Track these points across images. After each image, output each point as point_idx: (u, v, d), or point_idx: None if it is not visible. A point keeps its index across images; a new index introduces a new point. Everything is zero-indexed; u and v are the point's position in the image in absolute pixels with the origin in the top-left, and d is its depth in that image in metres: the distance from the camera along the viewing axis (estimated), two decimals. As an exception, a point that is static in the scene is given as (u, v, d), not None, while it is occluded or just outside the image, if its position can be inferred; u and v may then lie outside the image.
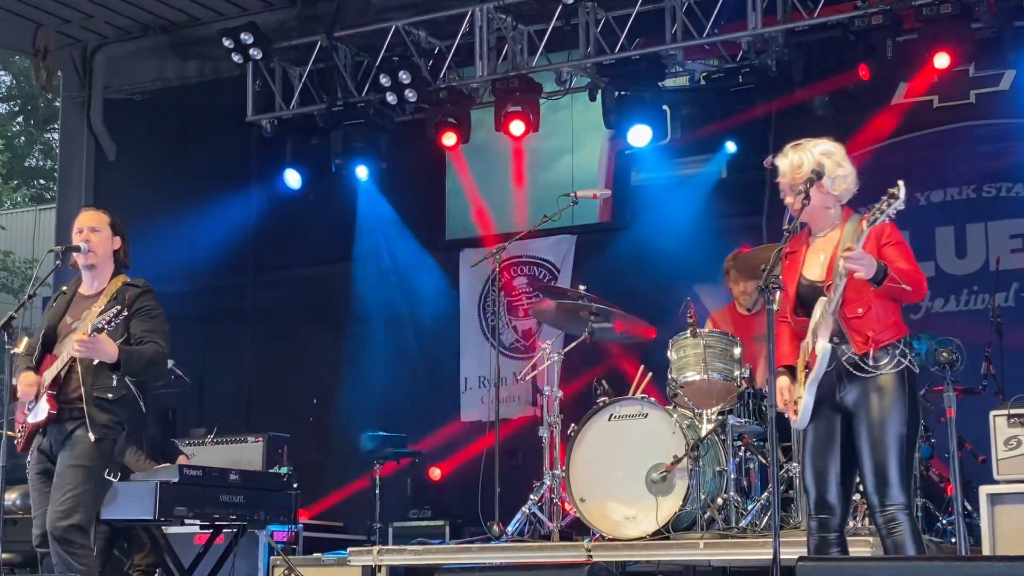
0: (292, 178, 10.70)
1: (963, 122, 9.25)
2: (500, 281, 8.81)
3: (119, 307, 5.85)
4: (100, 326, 5.81)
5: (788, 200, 5.29)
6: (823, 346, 5.12)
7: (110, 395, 5.98)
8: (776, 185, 5.38)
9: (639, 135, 9.63)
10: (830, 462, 5.19)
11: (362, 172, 10.61)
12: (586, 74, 9.82)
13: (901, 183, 4.87)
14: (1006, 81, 8.97)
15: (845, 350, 5.14)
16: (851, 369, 5.13)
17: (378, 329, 10.98)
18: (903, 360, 5.12)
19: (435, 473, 10.08)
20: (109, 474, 6.02)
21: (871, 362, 5.11)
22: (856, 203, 5.38)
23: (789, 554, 5.08)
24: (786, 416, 5.34)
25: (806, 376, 5.18)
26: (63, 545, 5.82)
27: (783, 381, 5.29)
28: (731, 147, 9.79)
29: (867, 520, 6.59)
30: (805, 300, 5.27)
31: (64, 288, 6.39)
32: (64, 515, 5.84)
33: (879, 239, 5.12)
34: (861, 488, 5.36)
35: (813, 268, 5.29)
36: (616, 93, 9.57)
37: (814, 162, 5.22)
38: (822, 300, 5.16)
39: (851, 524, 6.23)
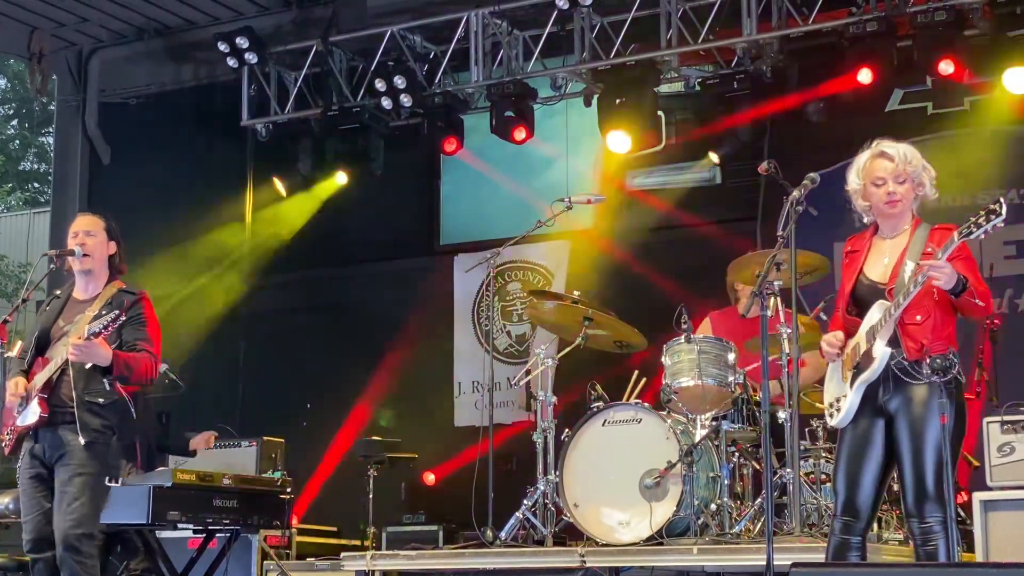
0: (280, 187, 10.71)
1: (957, 129, 9.25)
2: (494, 286, 8.81)
3: (116, 313, 5.86)
4: (96, 331, 5.82)
5: (888, 188, 5.18)
6: (883, 349, 5.06)
7: (101, 400, 5.99)
8: (770, 190, 5.40)
9: (619, 142, 9.64)
10: (865, 467, 5.12)
11: (340, 177, 10.64)
12: (581, 79, 9.83)
13: (1002, 199, 4.83)
14: (1000, 88, 8.96)
15: (895, 354, 5.08)
16: (899, 374, 5.08)
17: (372, 333, 10.98)
18: (951, 370, 5.05)
19: (429, 478, 10.06)
20: (109, 480, 6.04)
21: (919, 369, 5.06)
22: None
23: (782, 560, 5.08)
24: (828, 413, 5.24)
25: (853, 376, 5.15)
26: (74, 554, 5.85)
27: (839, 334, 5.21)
28: (714, 159, 9.80)
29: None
30: (861, 299, 5.23)
31: (58, 292, 6.39)
32: (76, 523, 5.88)
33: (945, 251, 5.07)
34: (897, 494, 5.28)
35: (875, 268, 5.25)
36: (611, 99, 9.57)
37: (922, 163, 5.23)
38: (881, 302, 5.11)
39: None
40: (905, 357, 5.08)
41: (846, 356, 5.22)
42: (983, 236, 4.89)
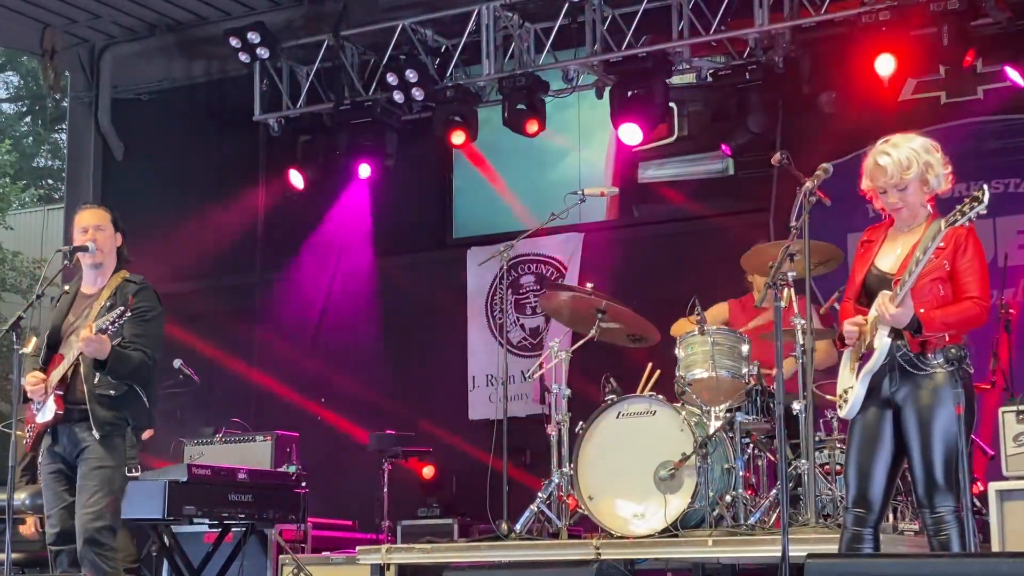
0: (296, 179, 10.71)
1: (971, 118, 9.22)
2: (508, 279, 8.80)
3: (123, 309, 5.87)
4: (104, 327, 5.83)
5: (891, 200, 5.19)
6: (884, 340, 5.06)
7: (112, 392, 6.01)
8: (783, 181, 5.39)
9: (630, 134, 9.61)
10: (876, 459, 5.12)
11: (364, 170, 10.63)
12: (593, 72, 9.82)
13: (985, 187, 4.84)
14: (1014, 77, 8.92)
15: (900, 346, 5.09)
16: (904, 365, 5.09)
17: (386, 327, 10.99)
18: (962, 361, 5.07)
19: (427, 471, 10.02)
20: (130, 471, 6.06)
21: (925, 360, 5.07)
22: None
23: (798, 551, 5.08)
24: (838, 404, 5.25)
25: (859, 366, 5.16)
26: (94, 547, 5.89)
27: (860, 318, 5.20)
28: (726, 151, 9.76)
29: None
30: (871, 289, 5.21)
31: (67, 288, 6.41)
32: (96, 516, 5.91)
33: (956, 247, 5.06)
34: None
35: (887, 259, 5.24)
36: (623, 91, 9.56)
37: (923, 162, 5.19)
38: (884, 293, 5.09)
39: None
40: (910, 348, 5.08)
41: (854, 347, 5.23)
42: (968, 223, 4.91)
